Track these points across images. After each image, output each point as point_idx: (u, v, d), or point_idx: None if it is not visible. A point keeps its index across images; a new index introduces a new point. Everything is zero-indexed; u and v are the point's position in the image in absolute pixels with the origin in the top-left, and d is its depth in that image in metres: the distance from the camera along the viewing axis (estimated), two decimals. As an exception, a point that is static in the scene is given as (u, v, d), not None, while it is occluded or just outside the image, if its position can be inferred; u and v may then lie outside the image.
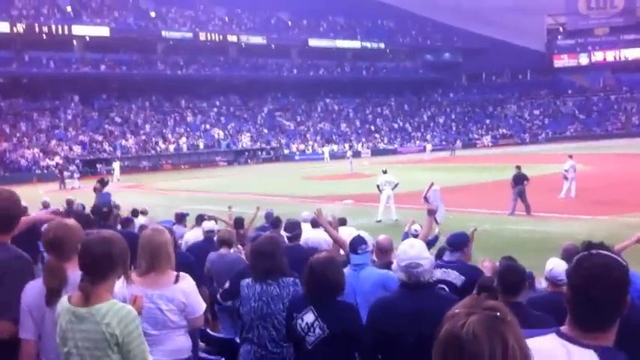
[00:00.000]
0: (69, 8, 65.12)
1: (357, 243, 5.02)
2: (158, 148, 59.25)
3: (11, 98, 58.22)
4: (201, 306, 4.06)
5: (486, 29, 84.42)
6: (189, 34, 69.78)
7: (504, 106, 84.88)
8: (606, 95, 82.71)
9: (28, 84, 60.11)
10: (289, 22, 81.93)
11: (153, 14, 71.16)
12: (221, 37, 71.80)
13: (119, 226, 9.87)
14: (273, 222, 9.82)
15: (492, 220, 17.35)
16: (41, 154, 52.10)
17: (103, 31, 63.48)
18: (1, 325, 3.48)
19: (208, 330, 5.64)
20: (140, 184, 39.78)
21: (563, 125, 77.56)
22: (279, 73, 76.77)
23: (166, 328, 3.92)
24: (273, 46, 75.35)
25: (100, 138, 57.81)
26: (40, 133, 56.17)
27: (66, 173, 42.18)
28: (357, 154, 58.49)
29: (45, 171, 48.91)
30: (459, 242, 5.81)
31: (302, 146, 67.14)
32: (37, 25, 59.45)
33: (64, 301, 3.11)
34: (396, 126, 77.90)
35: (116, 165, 47.43)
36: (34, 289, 3.40)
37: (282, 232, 8.33)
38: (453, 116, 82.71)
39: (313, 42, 78.60)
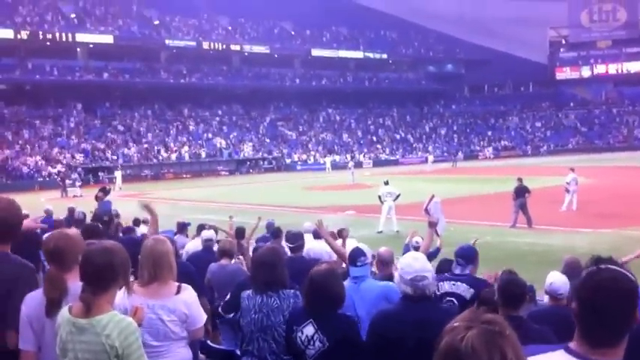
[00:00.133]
0: (73, 15, 65.36)
1: (356, 255, 5.00)
2: (160, 157, 59.19)
3: (14, 105, 58.27)
4: (202, 317, 4.04)
5: (489, 41, 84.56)
6: (193, 43, 69.97)
7: (506, 117, 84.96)
8: (608, 108, 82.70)
9: (31, 91, 60.26)
10: (292, 32, 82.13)
11: (156, 22, 71.39)
12: (224, 46, 72.01)
13: (120, 234, 9.87)
14: (274, 232, 9.81)
15: (494, 232, 17.32)
16: (43, 162, 52.11)
17: (107, 39, 63.64)
18: (12, 335, 3.47)
19: (209, 342, 5.62)
20: (142, 192, 39.81)
21: (565, 138, 77.55)
22: (281, 82, 76.84)
23: (168, 339, 3.90)
24: (276, 55, 75.52)
25: (102, 146, 57.78)
26: (42, 140, 56.18)
27: (68, 181, 42.20)
28: (358, 165, 58.57)
29: (47, 179, 48.88)
30: (471, 255, 5.71)
31: (304, 156, 67.13)
32: (40, 32, 59.63)
33: (64, 312, 3.11)
34: (398, 137, 77.93)
35: (118, 173, 47.37)
36: (34, 300, 3.40)
37: (283, 243, 8.32)
38: (454, 127, 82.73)
39: (316, 52, 78.73)
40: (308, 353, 3.96)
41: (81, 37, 62.07)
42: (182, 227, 12.33)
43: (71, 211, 14.55)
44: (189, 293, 3.97)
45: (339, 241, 7.98)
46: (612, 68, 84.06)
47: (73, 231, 3.79)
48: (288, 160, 65.77)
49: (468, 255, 5.70)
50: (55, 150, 54.67)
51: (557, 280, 5.16)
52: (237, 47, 73.23)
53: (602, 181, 32.06)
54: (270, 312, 4.41)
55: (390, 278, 5.32)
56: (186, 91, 69.04)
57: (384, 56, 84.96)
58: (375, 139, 75.94)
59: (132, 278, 3.59)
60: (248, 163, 63.69)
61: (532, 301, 5.89)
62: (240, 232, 10.95)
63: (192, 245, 10.05)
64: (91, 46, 63.71)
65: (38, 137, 56.54)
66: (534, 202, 19.73)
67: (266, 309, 4.42)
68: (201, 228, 10.91)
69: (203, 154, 61.74)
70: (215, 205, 28.99)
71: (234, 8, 75.06)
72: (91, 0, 70.30)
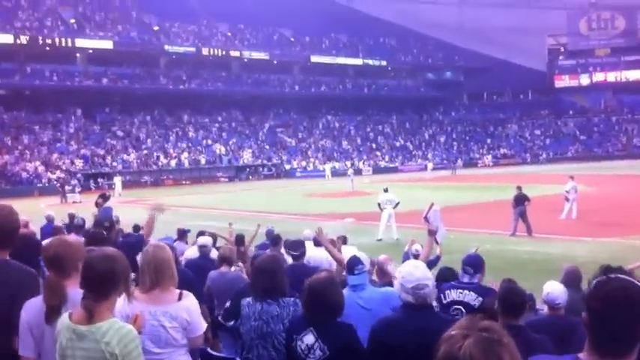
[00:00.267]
0: (72, 21, 65.40)
1: (354, 263, 4.97)
2: (160, 163, 59.14)
3: (13, 111, 58.32)
4: (203, 325, 4.02)
5: (488, 48, 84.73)
6: (192, 49, 70.00)
7: (505, 125, 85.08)
8: (607, 116, 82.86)
9: (31, 96, 60.14)
10: (292, 39, 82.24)
11: (156, 28, 71.44)
12: (224, 52, 72.06)
13: (120, 238, 9.85)
14: (274, 239, 9.80)
15: (493, 241, 17.25)
16: (43, 168, 52.09)
17: (107, 45, 63.59)
18: (18, 341, 3.47)
19: (209, 349, 5.59)
20: (141, 199, 39.74)
21: (564, 146, 77.64)
22: (281, 89, 76.90)
23: (169, 346, 3.88)
24: (275, 62, 75.58)
25: (101, 152, 57.79)
26: (42, 146, 56.16)
27: (67, 187, 42.20)
28: (358, 172, 58.52)
29: (46, 184, 48.87)
30: (479, 264, 5.67)
31: (303, 163, 67.15)
32: (40, 37, 59.65)
33: (64, 319, 3.10)
34: (397, 144, 77.98)
35: (117, 180, 47.40)
36: (34, 307, 3.39)
37: (282, 250, 8.31)
38: (454, 135, 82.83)
39: (315, 58, 78.83)
40: (308, 362, 3.95)
41: (80, 43, 62.03)
42: (182, 234, 12.28)
43: (71, 217, 14.53)
44: (190, 300, 3.96)
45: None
46: (611, 76, 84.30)
47: (73, 238, 3.79)
48: (287, 167, 65.78)
49: (475, 263, 5.66)
50: (55, 155, 54.66)
51: (555, 289, 5.15)
52: (237, 53, 73.30)
53: (602, 190, 32.03)
54: (270, 319, 4.40)
55: (390, 286, 5.31)
56: (185, 97, 69.10)
57: (384, 63, 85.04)
58: (374, 146, 76.01)
59: (133, 285, 3.59)
60: (247, 169, 63.74)
61: (532, 310, 5.88)
62: (239, 240, 10.95)
63: (192, 252, 10.02)
64: (91, 51, 63.69)
65: (37, 143, 56.52)
66: (534, 210, 19.68)
67: (266, 316, 4.41)
68: (201, 235, 10.89)
69: (202, 161, 61.74)
70: (216, 211, 28.95)
71: (233, 14, 75.11)
72: (90, 5, 70.43)
